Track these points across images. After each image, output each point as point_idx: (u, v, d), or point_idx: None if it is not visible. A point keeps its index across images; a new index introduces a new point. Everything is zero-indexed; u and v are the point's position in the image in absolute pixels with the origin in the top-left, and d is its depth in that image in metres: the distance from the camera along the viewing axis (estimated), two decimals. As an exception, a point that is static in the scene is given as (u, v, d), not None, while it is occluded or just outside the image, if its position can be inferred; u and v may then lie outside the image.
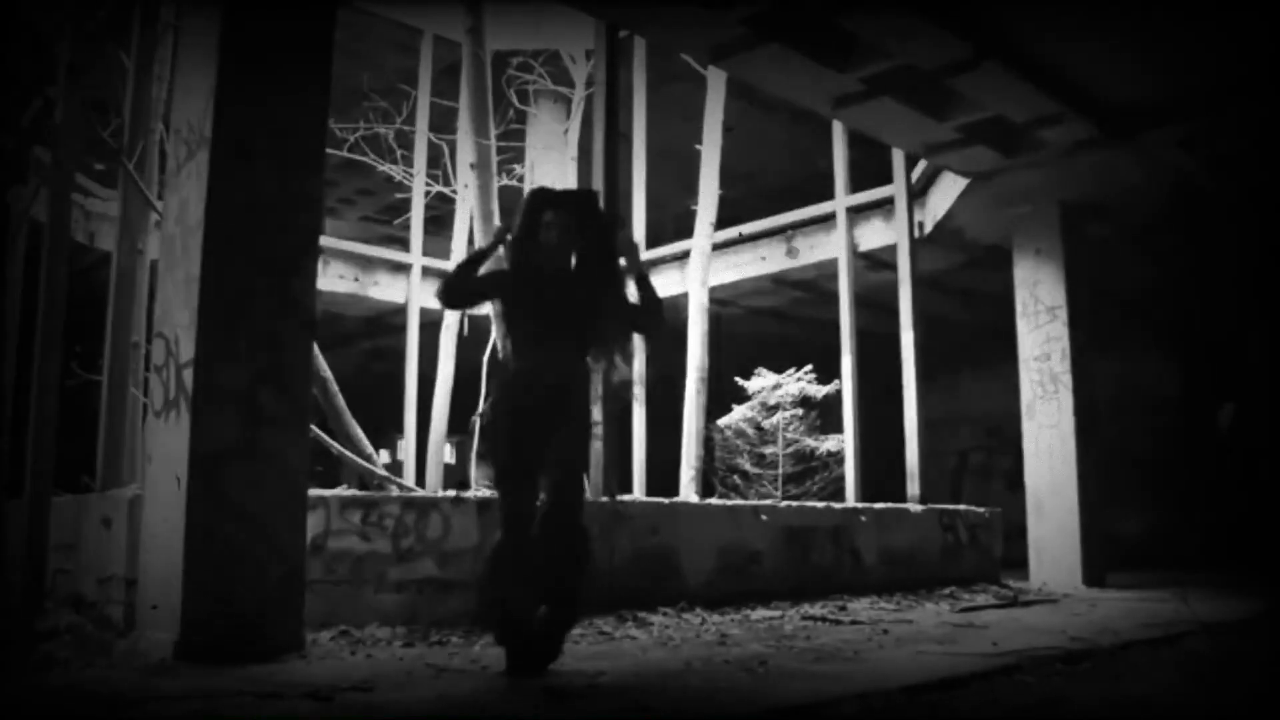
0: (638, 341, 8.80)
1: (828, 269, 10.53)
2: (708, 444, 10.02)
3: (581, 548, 3.70)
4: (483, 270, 4.18)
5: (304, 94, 4.39)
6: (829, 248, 10.55)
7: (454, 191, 9.71)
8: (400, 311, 11.35)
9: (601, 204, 4.34)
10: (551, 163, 11.12)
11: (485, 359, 8.16)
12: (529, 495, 3.71)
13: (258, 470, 4.02)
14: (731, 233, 11.27)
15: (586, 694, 3.26)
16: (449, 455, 13.45)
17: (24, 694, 3.36)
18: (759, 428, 10.54)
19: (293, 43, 4.39)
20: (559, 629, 3.70)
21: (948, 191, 9.55)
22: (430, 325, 10.36)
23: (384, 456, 10.72)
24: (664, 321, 4.04)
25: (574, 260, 3.96)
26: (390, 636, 4.48)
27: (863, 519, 7.30)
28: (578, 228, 3.92)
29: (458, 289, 4.06)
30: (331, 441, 6.86)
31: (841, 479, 9.31)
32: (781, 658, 4.08)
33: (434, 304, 10.73)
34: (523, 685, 3.38)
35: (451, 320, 9.68)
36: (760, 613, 5.74)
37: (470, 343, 9.16)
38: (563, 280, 3.90)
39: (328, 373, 7.24)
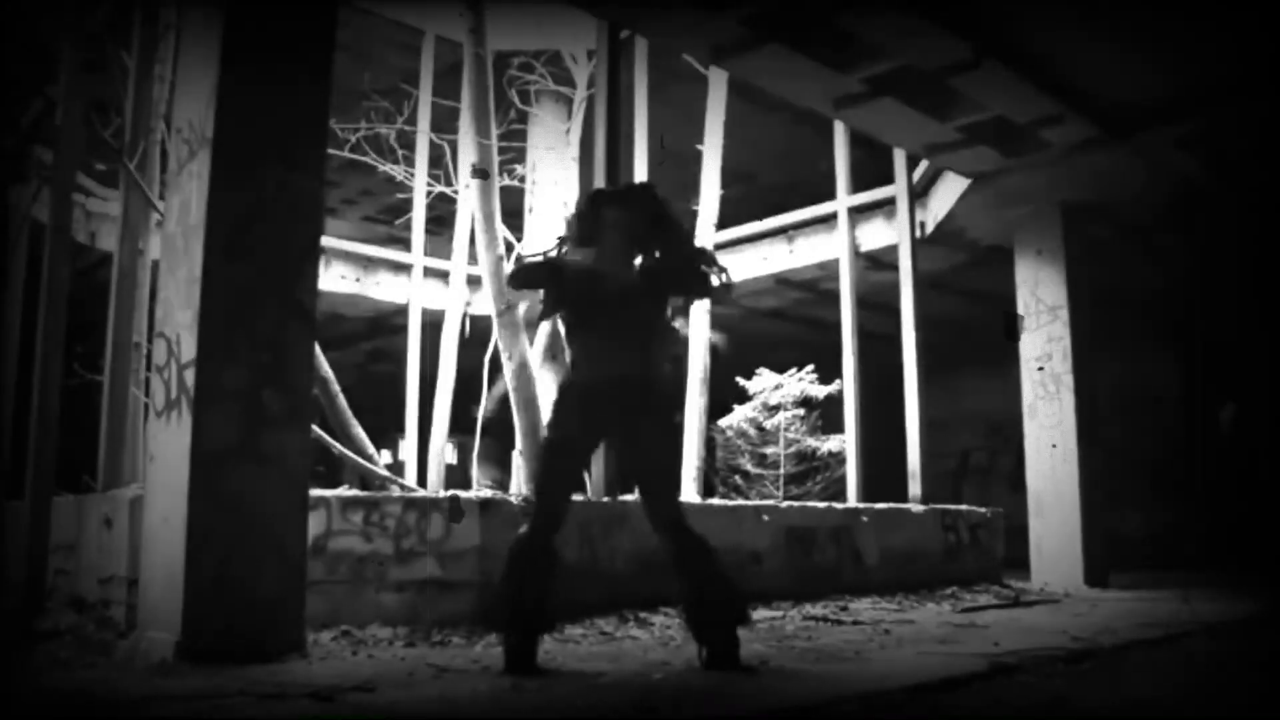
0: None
1: (829, 269, 10.52)
2: (709, 444, 10.01)
3: (700, 543, 3.70)
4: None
5: (305, 93, 4.39)
6: (830, 248, 10.55)
7: (455, 192, 9.69)
8: (401, 312, 11.34)
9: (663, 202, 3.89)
10: (553, 163, 11.10)
11: (486, 359, 8.15)
12: (568, 496, 3.71)
13: (259, 470, 4.02)
14: (733, 232, 11.26)
15: (587, 693, 3.26)
16: (450, 456, 13.44)
17: (25, 695, 3.36)
18: (760, 428, 10.53)
19: (294, 42, 4.38)
20: (731, 624, 3.72)
21: (949, 192, 9.55)
22: (432, 326, 10.35)
23: (385, 457, 10.73)
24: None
25: (638, 266, 3.75)
26: (392, 636, 4.48)
27: (864, 519, 7.30)
28: (643, 229, 3.72)
29: (523, 281, 3.97)
30: (333, 441, 6.86)
31: (843, 479, 9.29)
32: (783, 658, 4.07)
33: (435, 304, 10.82)
34: (523, 685, 3.38)
35: (453, 321, 9.67)
36: (761, 613, 5.73)
37: (472, 343, 9.15)
38: (627, 291, 3.70)
39: (329, 372, 7.24)
